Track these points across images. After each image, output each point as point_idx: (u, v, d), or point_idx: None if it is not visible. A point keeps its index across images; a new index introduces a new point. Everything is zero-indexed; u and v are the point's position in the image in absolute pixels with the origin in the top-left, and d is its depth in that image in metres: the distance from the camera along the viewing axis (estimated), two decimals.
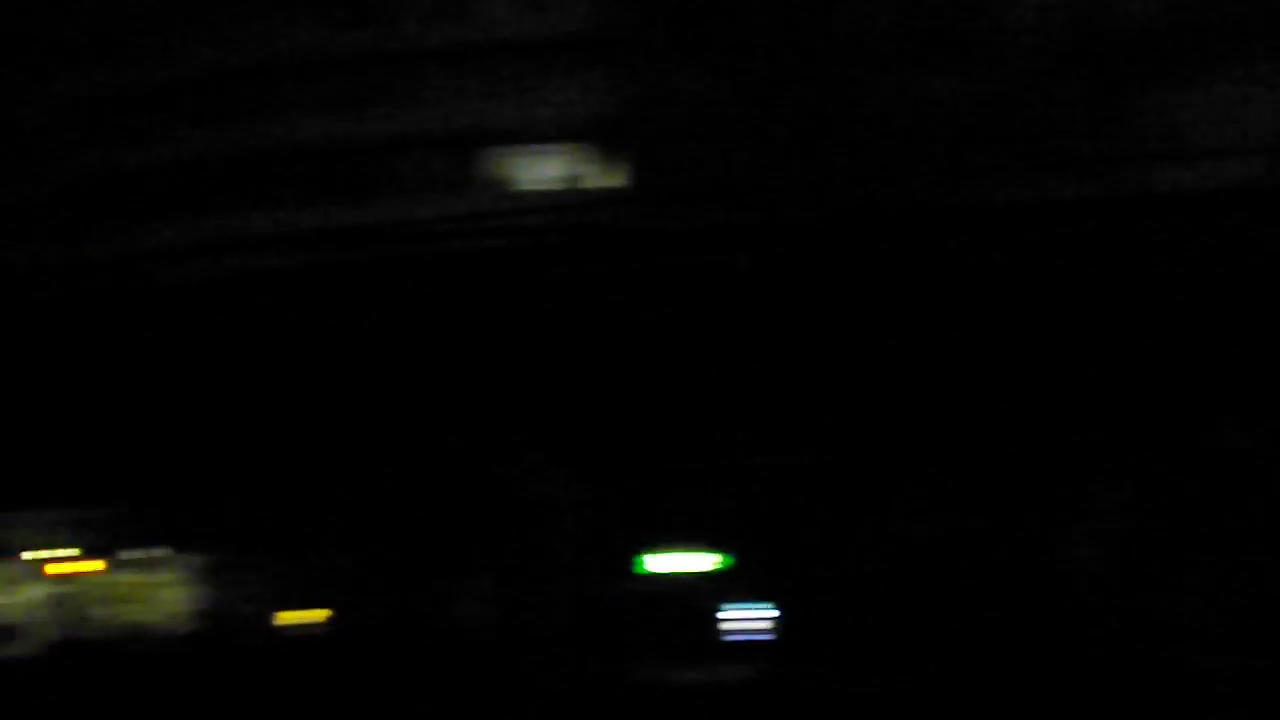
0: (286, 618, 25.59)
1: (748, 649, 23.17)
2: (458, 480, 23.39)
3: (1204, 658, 21.60)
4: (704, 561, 23.00)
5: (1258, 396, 23.01)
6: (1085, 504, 22.75)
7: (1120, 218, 21.39)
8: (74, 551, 27.70)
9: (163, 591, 27.63)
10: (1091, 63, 25.45)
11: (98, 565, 27.76)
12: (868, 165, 21.43)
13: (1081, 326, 20.25)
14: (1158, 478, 23.86)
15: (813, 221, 18.97)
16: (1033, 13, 25.19)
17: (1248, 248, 21.13)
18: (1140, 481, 23.72)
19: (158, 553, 27.61)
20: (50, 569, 27.81)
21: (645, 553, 23.41)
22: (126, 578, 28.00)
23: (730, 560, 22.40)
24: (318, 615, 25.35)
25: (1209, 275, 20.89)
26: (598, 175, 31.85)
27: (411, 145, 34.05)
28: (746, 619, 23.46)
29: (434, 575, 24.57)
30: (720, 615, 23.26)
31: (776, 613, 21.85)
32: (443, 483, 23.54)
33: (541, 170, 32.87)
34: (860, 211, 19.71)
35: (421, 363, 21.42)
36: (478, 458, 22.58)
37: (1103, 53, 25.22)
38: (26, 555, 27.70)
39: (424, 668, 22.17)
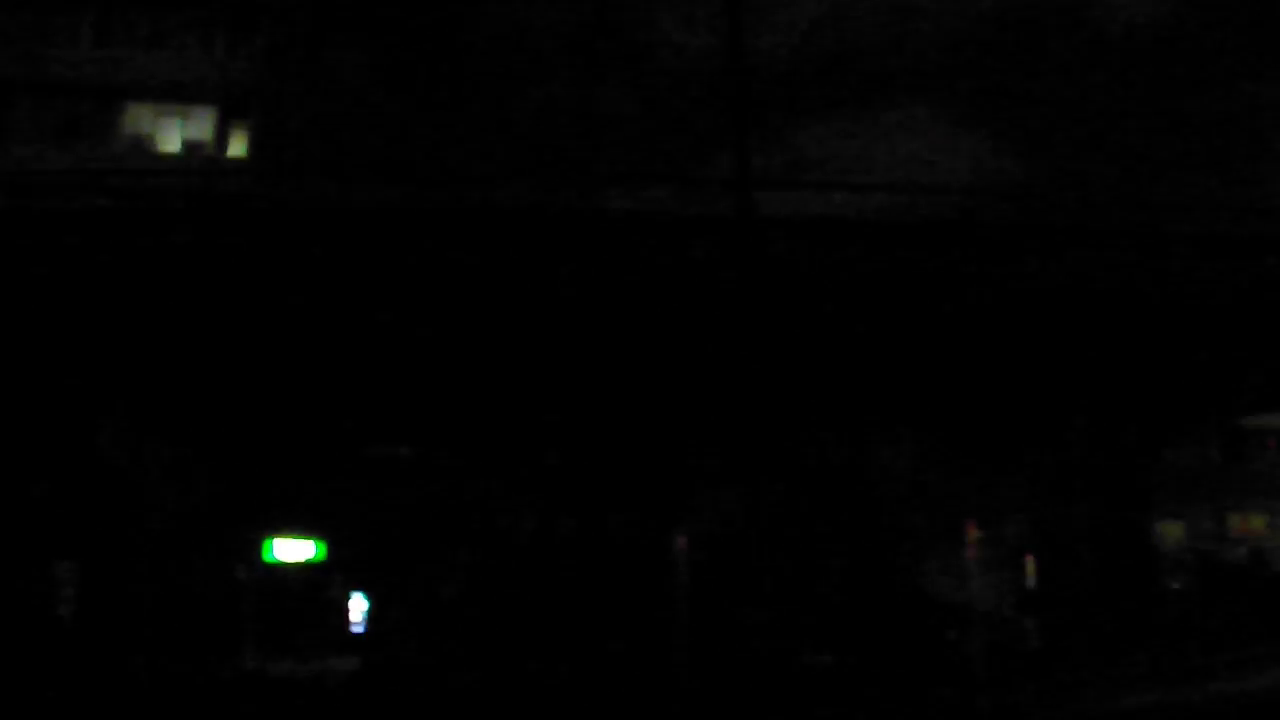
0: None
1: (358, 639, 22.84)
2: (54, 456, 21.94)
3: (802, 655, 22.84)
4: (307, 549, 22.47)
5: (854, 414, 24.51)
6: (690, 507, 23.62)
7: (746, 237, 22.31)
8: None
9: None
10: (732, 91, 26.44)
11: None
12: (504, 161, 21.52)
13: (697, 338, 20.97)
14: (760, 485, 25.05)
15: (432, 209, 18.85)
16: (680, 38, 25.99)
17: (879, 276, 22.48)
18: (745, 488, 24.84)
19: None
20: None
21: (267, 539, 22.62)
22: None
23: (324, 549, 21.97)
24: None
25: (830, 298, 22.08)
26: (231, 143, 30.71)
27: (39, 90, 31.79)
28: (354, 608, 23.13)
29: (29, 559, 22.91)
30: (346, 605, 22.82)
31: (368, 603, 21.63)
32: (38, 457, 22.04)
33: (173, 131, 31.37)
34: (489, 204, 19.76)
35: (24, 323, 20.00)
36: (76, 432, 21.26)
37: (748, 83, 26.25)
38: None
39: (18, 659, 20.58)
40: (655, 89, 24.93)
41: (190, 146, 30.48)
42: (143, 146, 31.19)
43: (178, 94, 30.47)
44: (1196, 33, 26.76)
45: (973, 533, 25.69)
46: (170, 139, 31.23)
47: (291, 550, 23.06)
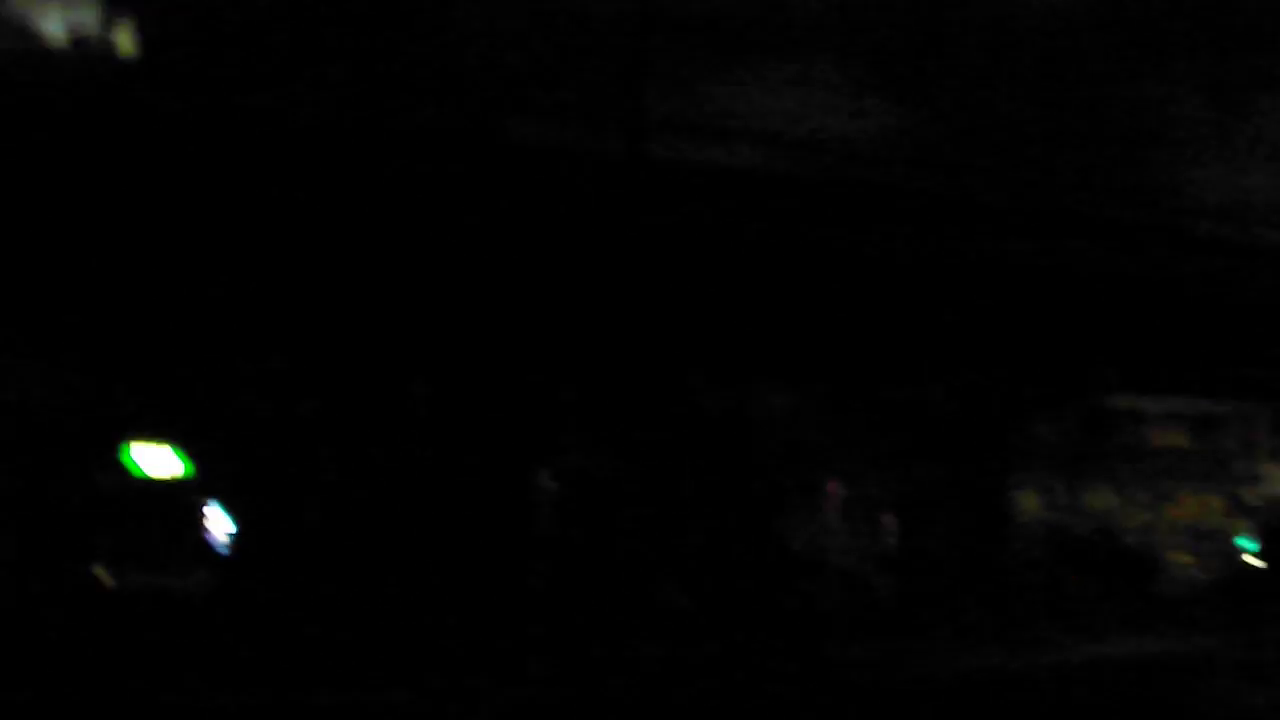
0: None
1: (219, 557, 22.46)
2: None
3: (661, 596, 23.18)
4: (170, 461, 21.97)
5: (734, 365, 24.73)
6: (560, 445, 23.68)
7: (635, 179, 22.29)
8: None
9: None
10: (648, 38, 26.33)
11: None
12: (397, 77, 21.14)
13: (582, 275, 20.97)
14: (632, 427, 25.24)
15: (318, 124, 18.48)
16: None
17: (766, 229, 22.62)
18: (617, 428, 25.00)
19: None
20: None
21: (126, 448, 21.97)
22: None
23: (188, 462, 21.51)
24: None
25: (719, 247, 22.20)
26: (117, 40, 29.58)
27: None
28: (217, 524, 22.72)
29: None
30: (204, 519, 22.35)
31: (229, 519, 21.26)
32: None
33: (51, 23, 30.13)
34: (379, 121, 19.40)
35: None
36: None
37: (662, 31, 26.13)
38: None
39: None
40: (561, 19, 24.70)
41: (68, 40, 29.25)
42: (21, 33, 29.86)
43: None
44: (1094, 25, 27.33)
45: (835, 489, 26.18)
46: (45, 30, 29.91)
47: (153, 462, 22.52)
